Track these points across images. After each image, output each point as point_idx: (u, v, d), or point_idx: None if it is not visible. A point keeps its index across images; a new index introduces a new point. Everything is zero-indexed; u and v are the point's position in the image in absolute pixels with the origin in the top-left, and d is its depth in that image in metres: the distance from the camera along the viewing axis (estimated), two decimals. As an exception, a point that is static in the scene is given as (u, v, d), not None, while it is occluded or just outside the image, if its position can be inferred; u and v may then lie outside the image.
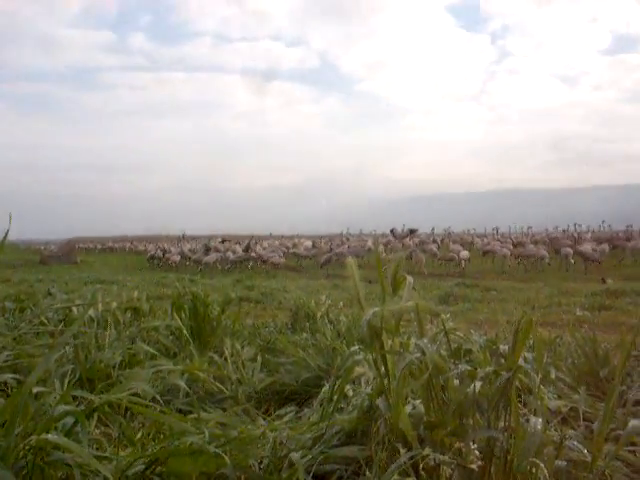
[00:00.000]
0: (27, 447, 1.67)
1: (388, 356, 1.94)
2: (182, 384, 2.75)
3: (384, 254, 18.79)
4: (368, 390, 2.13)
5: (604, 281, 13.58)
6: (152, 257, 26.36)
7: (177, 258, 23.75)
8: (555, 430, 2.01)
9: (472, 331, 3.53)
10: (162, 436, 2.35)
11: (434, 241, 25.38)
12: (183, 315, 4.07)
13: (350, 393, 2.33)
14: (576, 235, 24.13)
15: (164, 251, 25.96)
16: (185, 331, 3.88)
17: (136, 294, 5.42)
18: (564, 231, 28.03)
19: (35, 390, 2.04)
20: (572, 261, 18.47)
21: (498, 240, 25.40)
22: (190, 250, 25.46)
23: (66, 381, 2.76)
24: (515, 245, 22.52)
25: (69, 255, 26.29)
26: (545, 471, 1.56)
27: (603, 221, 29.10)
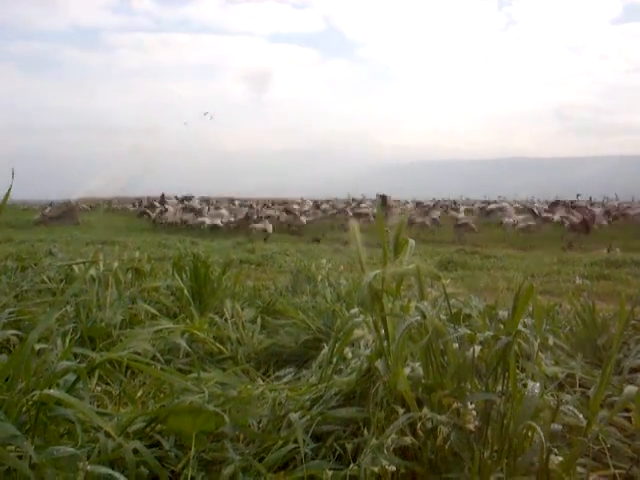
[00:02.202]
0: (30, 402, 1.69)
1: (388, 319, 1.95)
2: (183, 344, 2.77)
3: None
4: (367, 352, 2.14)
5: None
6: (142, 213, 25.65)
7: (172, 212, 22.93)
8: (552, 395, 2.03)
9: (472, 297, 3.54)
10: (162, 394, 2.38)
11: (434, 207, 25.31)
12: (184, 276, 4.09)
13: (349, 355, 2.35)
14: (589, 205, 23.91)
15: (152, 205, 25.29)
16: (186, 292, 3.90)
17: (137, 254, 5.43)
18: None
19: (37, 347, 2.06)
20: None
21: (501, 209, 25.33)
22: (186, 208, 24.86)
23: (67, 339, 2.78)
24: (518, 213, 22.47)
25: (70, 216, 26.22)
26: (541, 434, 1.57)
27: (616, 194, 28.30)
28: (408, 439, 1.69)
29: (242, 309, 3.76)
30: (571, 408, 1.90)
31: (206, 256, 4.30)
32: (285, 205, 26.79)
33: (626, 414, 2.09)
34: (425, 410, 1.71)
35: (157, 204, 26.15)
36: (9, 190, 2.08)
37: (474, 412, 1.66)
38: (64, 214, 25.63)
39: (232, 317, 3.57)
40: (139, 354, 2.32)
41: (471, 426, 1.64)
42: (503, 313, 2.69)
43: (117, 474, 1.57)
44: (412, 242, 1.98)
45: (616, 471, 1.84)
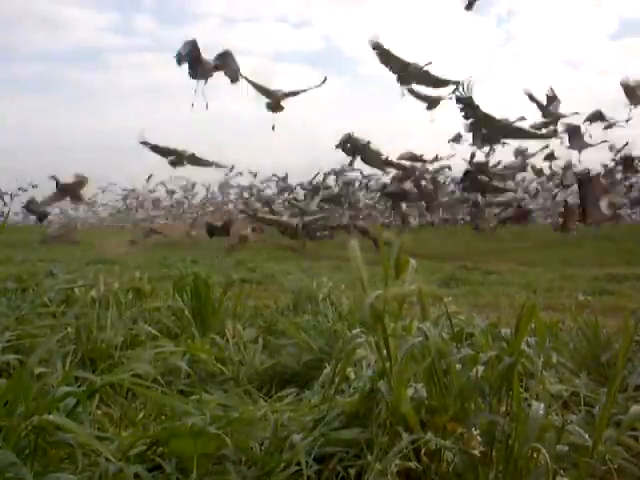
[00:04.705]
0: (29, 427, 1.67)
1: (390, 339, 1.94)
2: (184, 365, 2.75)
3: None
4: (370, 373, 2.13)
5: None
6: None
7: None
8: (556, 415, 2.02)
9: (474, 314, 3.52)
10: (164, 417, 2.36)
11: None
12: (185, 296, 4.07)
13: (352, 376, 2.33)
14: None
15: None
16: (187, 312, 3.88)
17: (138, 274, 5.42)
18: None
19: (37, 371, 2.05)
20: None
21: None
22: None
23: (68, 361, 2.77)
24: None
25: (70, 235, 26.26)
26: (547, 456, 1.56)
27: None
28: (412, 464, 1.67)
29: (243, 329, 3.75)
30: (576, 428, 1.88)
31: (207, 276, 4.29)
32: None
33: (633, 433, 2.07)
34: (429, 434, 1.70)
35: None
36: (8, 212, 2.08)
37: (479, 437, 1.65)
38: (64, 233, 25.65)
39: (233, 337, 3.56)
40: (140, 376, 2.30)
41: (476, 452, 1.62)
42: (506, 331, 2.68)
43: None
44: (413, 262, 1.98)
45: (623, 491, 1.82)
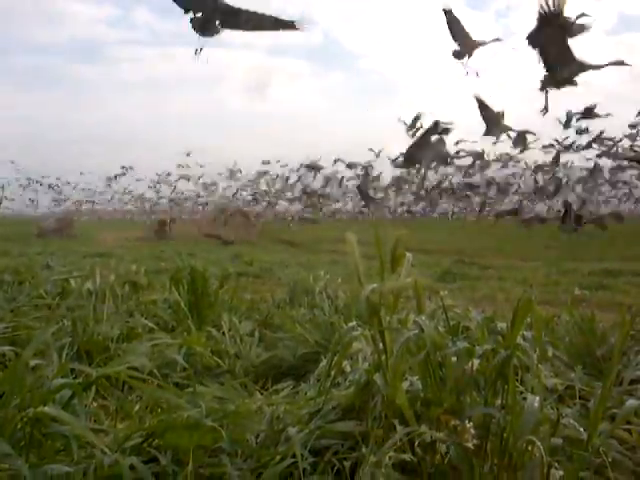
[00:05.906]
0: (25, 419, 1.67)
1: (386, 332, 1.94)
2: (180, 358, 2.76)
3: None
4: (365, 366, 2.13)
5: None
6: None
7: None
8: (551, 408, 2.02)
9: (470, 308, 3.53)
10: (160, 409, 2.36)
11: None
12: (181, 289, 4.07)
13: (347, 369, 2.34)
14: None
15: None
16: (183, 305, 3.88)
17: (134, 267, 5.42)
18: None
19: (33, 363, 2.05)
20: None
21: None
22: None
23: (64, 354, 2.77)
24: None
25: (67, 228, 26.20)
26: (541, 448, 1.56)
27: None
28: (407, 456, 1.68)
29: (240, 322, 3.75)
30: (571, 421, 1.88)
31: (203, 269, 4.29)
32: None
33: (627, 426, 2.08)
34: (424, 427, 1.70)
35: None
36: None
37: (472, 430, 1.65)
38: (61, 226, 25.60)
39: (230, 330, 3.56)
40: (136, 369, 2.30)
41: (469, 444, 1.63)
42: (502, 325, 2.69)
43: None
44: (409, 255, 1.98)
45: (618, 484, 1.83)
